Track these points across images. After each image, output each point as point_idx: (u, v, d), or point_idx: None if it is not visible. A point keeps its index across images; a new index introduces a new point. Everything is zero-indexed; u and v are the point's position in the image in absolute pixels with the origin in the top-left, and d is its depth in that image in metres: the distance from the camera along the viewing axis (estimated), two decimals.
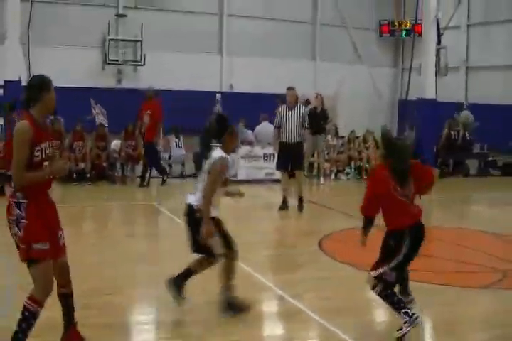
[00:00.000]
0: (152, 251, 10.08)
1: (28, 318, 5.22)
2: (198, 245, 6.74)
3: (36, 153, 5.19)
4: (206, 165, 6.79)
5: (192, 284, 7.56)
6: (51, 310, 5.96)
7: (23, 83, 18.53)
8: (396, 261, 6.05)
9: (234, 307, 6.71)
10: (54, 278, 5.51)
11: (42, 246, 5.20)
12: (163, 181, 16.98)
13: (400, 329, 5.94)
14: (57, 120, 17.97)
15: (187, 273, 6.97)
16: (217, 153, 6.76)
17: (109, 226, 12.60)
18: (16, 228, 5.17)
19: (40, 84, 5.38)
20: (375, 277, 6.06)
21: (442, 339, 6.36)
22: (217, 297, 6.90)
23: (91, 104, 19.72)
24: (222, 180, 6.75)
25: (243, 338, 6.13)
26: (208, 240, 6.60)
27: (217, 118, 7.37)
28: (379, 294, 6.13)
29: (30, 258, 5.21)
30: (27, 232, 5.17)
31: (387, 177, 6.08)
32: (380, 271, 6.05)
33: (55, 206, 5.56)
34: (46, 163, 5.30)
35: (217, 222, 6.75)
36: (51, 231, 5.36)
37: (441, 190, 18.20)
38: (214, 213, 6.70)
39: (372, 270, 6.11)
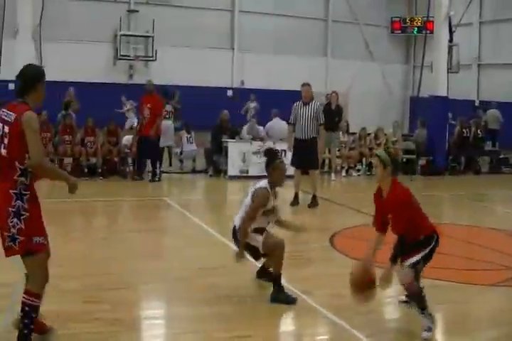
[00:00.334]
0: (162, 246, 10.09)
1: (30, 313, 5.21)
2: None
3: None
4: (250, 191, 7.19)
5: (201, 279, 7.60)
6: (56, 304, 5.99)
7: None
8: (423, 254, 6.11)
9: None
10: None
11: (41, 239, 5.24)
12: (137, 178, 16.89)
13: (428, 331, 5.96)
14: (69, 115, 18.03)
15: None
16: (261, 183, 7.15)
17: (119, 221, 12.62)
18: (16, 219, 5.12)
19: (35, 74, 5.36)
20: (411, 265, 6.04)
21: (451, 336, 6.34)
22: (225, 291, 6.92)
23: (122, 101, 19.80)
24: (263, 209, 7.04)
25: (254, 333, 6.12)
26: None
27: (265, 151, 7.62)
28: (412, 289, 6.07)
29: (29, 251, 5.20)
30: (28, 225, 5.16)
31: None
32: (415, 259, 6.06)
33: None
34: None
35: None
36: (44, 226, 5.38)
37: (453, 187, 18.24)
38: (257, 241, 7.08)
39: (404, 260, 6.09)
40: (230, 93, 23.01)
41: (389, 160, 6.21)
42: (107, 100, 19.56)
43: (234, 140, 17.75)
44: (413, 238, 6.16)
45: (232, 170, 17.37)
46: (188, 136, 18.91)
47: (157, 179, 16.62)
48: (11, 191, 5.13)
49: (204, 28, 25.84)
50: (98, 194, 14.46)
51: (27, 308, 5.20)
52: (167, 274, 7.97)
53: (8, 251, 5.21)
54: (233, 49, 27.21)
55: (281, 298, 6.92)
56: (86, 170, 17.16)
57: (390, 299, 7.09)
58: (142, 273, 8.18)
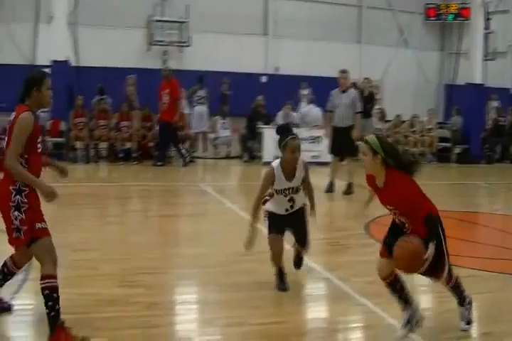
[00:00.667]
0: (198, 231, 10.06)
1: (51, 294, 5.29)
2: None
3: (38, 145, 5.40)
4: None
5: (237, 265, 7.62)
6: (94, 287, 6.04)
7: (72, 64, 18.77)
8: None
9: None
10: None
11: (42, 225, 5.38)
12: (159, 165, 16.94)
13: (469, 323, 5.88)
14: (103, 100, 18.14)
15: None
16: (273, 162, 6.88)
17: (155, 205, 12.69)
18: (17, 212, 5.28)
19: (30, 81, 5.43)
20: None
21: (483, 327, 6.28)
22: (261, 277, 6.94)
23: None
24: (271, 188, 6.85)
25: (288, 319, 6.12)
26: None
27: (277, 128, 7.10)
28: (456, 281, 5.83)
29: (34, 238, 5.33)
30: (29, 214, 5.30)
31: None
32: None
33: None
34: (44, 156, 5.54)
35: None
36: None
37: (489, 176, 18.09)
38: (272, 209, 7.01)
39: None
40: (264, 79, 22.91)
41: (379, 147, 5.40)
42: (140, 85, 19.57)
43: (269, 126, 17.72)
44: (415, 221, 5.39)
45: (267, 156, 17.30)
46: (223, 121, 18.95)
47: (188, 160, 16.61)
48: (10, 187, 5.28)
49: (238, 13, 25.71)
50: (133, 178, 14.54)
51: (47, 291, 5.27)
52: (203, 259, 8.01)
53: (17, 242, 5.38)
54: (267, 35, 27.08)
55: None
56: (121, 154, 17.27)
57: (425, 287, 7.05)
58: (178, 257, 8.24)
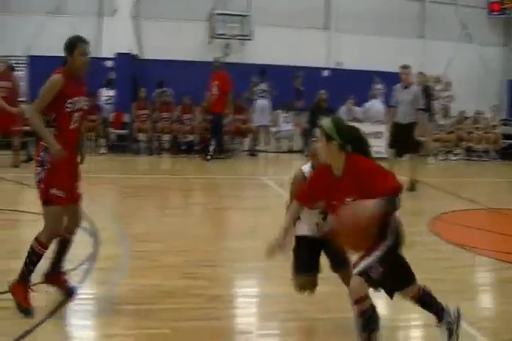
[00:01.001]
0: (259, 224, 10.05)
1: (32, 256, 5.54)
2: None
3: (68, 105, 5.58)
4: None
5: None
6: (156, 278, 6.07)
7: (135, 56, 18.94)
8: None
9: None
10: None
11: (58, 192, 5.53)
12: (209, 156, 16.91)
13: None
14: (165, 92, 18.28)
15: None
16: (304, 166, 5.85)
17: (215, 198, 12.71)
18: (40, 168, 5.54)
19: (65, 47, 5.68)
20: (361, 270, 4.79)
21: None
22: (323, 272, 6.92)
23: None
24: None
25: (350, 316, 6.07)
26: None
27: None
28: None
29: (45, 201, 5.54)
30: (49, 175, 5.52)
31: None
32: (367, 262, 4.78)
33: (77, 161, 5.86)
34: (77, 115, 5.67)
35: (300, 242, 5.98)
36: (69, 181, 5.67)
37: None
38: (301, 231, 5.91)
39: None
40: (325, 73, 22.81)
41: (335, 132, 4.74)
42: (202, 78, 19.65)
43: None
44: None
45: None
46: (285, 115, 18.94)
47: (208, 158, 16.63)
48: (41, 142, 5.56)
49: (300, 7, 25.64)
50: (195, 171, 14.61)
51: (31, 250, 5.54)
52: (263, 253, 7.97)
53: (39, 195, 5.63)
54: (329, 29, 26.94)
55: None
56: (183, 147, 17.40)
57: (488, 286, 6.94)
58: (239, 250, 8.22)
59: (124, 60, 17.93)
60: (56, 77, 5.54)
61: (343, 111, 18.23)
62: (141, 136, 18.14)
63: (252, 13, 24.46)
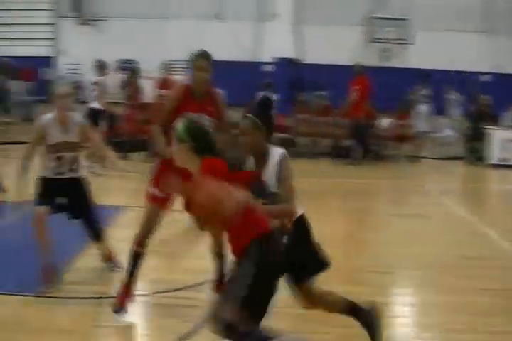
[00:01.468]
0: (421, 231, 9.84)
1: (130, 254, 5.77)
2: None
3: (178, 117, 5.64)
4: None
5: (464, 270, 7.42)
6: (321, 282, 6.10)
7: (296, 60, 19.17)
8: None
9: None
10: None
11: (153, 190, 5.75)
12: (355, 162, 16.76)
13: None
14: (322, 96, 18.42)
15: None
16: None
17: (376, 203, 12.72)
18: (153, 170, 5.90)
19: (188, 60, 5.81)
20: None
21: None
22: (485, 283, 6.74)
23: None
24: None
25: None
26: None
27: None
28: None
29: (145, 197, 5.82)
30: (152, 177, 5.83)
31: None
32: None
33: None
34: None
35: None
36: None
37: None
38: None
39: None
40: (485, 78, 22.25)
41: (185, 135, 4.29)
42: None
43: (495, 127, 17.25)
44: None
45: (493, 158, 16.90)
46: (446, 121, 18.70)
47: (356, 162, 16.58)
48: None
49: (457, 10, 25.14)
50: (355, 175, 14.64)
51: (129, 253, 5.79)
52: (427, 261, 7.89)
53: None
54: (486, 32, 26.22)
55: None
56: (343, 151, 17.52)
57: None
58: (404, 258, 8.13)
59: (284, 64, 18.18)
60: (173, 89, 6.06)
61: (508, 117, 17.75)
62: (302, 140, 18.35)
63: (412, 17, 24.22)
